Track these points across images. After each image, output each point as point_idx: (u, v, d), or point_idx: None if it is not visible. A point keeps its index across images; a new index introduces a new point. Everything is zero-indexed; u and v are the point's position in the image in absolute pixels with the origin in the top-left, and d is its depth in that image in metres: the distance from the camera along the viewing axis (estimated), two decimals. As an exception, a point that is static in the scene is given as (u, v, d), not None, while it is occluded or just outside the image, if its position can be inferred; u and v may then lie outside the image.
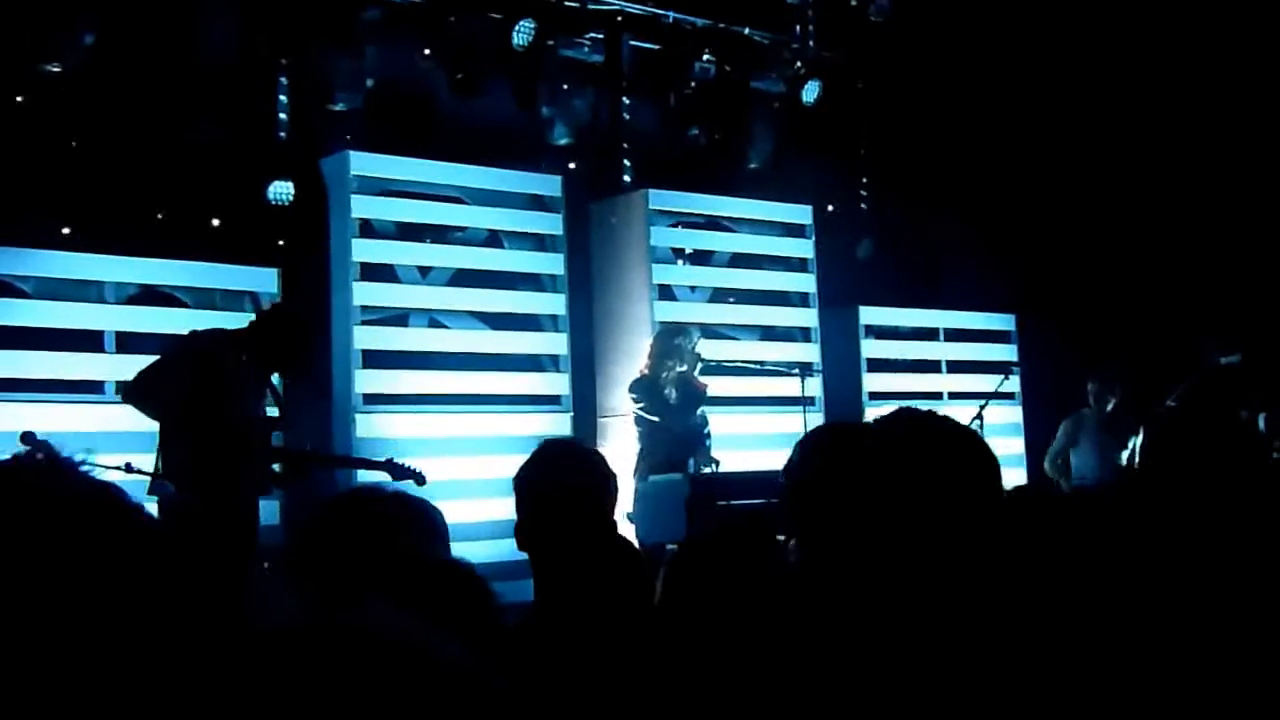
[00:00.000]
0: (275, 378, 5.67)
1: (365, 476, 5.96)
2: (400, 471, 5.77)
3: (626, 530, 6.35)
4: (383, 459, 5.89)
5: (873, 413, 9.04)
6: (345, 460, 6.41)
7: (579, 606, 2.51)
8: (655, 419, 7.08)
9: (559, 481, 2.71)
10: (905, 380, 9.65)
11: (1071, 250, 9.86)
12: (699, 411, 7.27)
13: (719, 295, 8.78)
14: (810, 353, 8.89)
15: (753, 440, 7.90)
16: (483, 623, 1.50)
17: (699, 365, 7.25)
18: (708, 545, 2.09)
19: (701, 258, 8.89)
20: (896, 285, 9.53)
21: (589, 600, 2.53)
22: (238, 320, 6.04)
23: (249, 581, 5.17)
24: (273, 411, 5.65)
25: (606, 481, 2.78)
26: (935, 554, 1.84)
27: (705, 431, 7.28)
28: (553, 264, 8.06)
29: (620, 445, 7.83)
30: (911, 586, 1.84)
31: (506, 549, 2.84)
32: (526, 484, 2.74)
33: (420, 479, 5.73)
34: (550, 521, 2.68)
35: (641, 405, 7.12)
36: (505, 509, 2.87)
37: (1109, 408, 8.16)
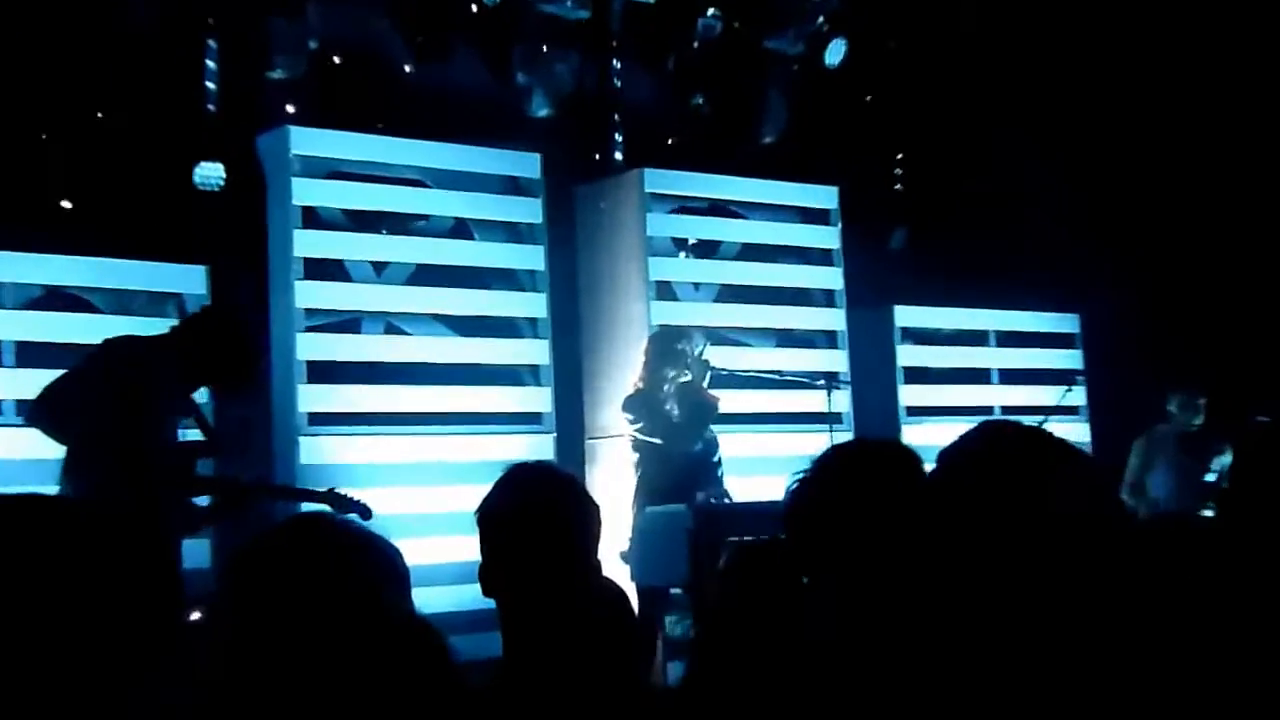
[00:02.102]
0: (203, 394, 5.64)
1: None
2: (344, 504, 5.83)
3: (620, 572, 6.31)
4: (324, 490, 5.94)
5: (911, 431, 9.14)
6: (281, 491, 6.41)
7: (553, 663, 2.49)
8: (656, 441, 7.02)
9: (529, 514, 2.69)
10: (949, 393, 9.61)
11: (1148, 238, 9.84)
12: (709, 433, 7.22)
13: (728, 293, 8.76)
14: (837, 360, 8.87)
15: (768, 464, 7.84)
16: (438, 685, 1.48)
17: (707, 375, 7.21)
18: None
19: (707, 249, 8.87)
20: (938, 280, 9.51)
21: (564, 656, 2.51)
22: (160, 328, 6.01)
23: (175, 635, 5.13)
24: (197, 435, 5.62)
25: (586, 513, 2.75)
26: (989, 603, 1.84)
27: (716, 459, 7.23)
28: (531, 258, 8.04)
29: (613, 471, 7.80)
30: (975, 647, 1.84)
31: (477, 595, 2.82)
32: (490, 518, 2.72)
33: (366, 512, 5.81)
34: (519, 562, 2.65)
35: (639, 425, 7.07)
36: (475, 548, 2.84)
37: (1192, 425, 8.13)
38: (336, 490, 5.92)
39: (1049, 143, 9.56)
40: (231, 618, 1.91)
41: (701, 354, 7.23)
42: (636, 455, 7.14)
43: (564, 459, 7.77)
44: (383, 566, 1.94)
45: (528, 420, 7.93)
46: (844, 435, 7.99)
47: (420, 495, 7.22)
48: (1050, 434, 1.99)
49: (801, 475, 2.52)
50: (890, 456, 2.57)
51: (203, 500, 5.63)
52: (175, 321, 5.74)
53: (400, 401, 7.54)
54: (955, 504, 1.92)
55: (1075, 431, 9.67)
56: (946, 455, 1.99)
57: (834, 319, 9.04)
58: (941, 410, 9.42)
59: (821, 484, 2.50)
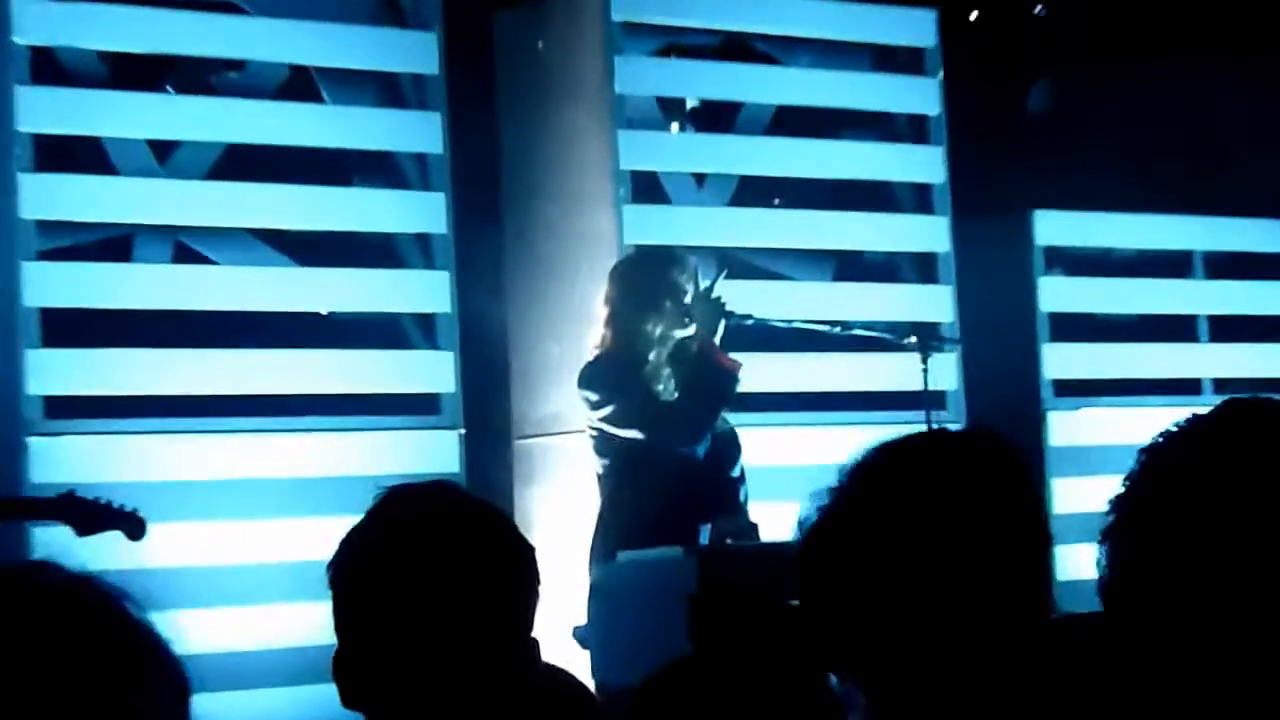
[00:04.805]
0: None
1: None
2: (93, 517, 5.93)
3: (573, 660, 6.34)
4: (56, 495, 6.09)
5: (1062, 420, 9.15)
6: None
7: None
8: (635, 436, 7.04)
9: (411, 572, 2.70)
10: (1123, 354, 9.69)
11: None
12: (723, 425, 7.24)
13: (750, 191, 8.80)
14: (938, 303, 8.94)
15: (823, 479, 7.94)
16: None
17: (721, 327, 7.19)
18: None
19: (716, 118, 8.89)
20: (1104, 169, 9.55)
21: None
22: None
23: None
24: None
25: (513, 564, 2.76)
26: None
27: (735, 472, 7.25)
28: (421, 133, 8.07)
29: (557, 491, 7.84)
30: None
31: (333, 700, 2.83)
32: (349, 578, 2.73)
33: (136, 527, 5.93)
34: (397, 648, 2.67)
35: (606, 411, 7.09)
36: (329, 626, 2.86)
37: None
38: (78, 494, 6.02)
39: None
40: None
41: (710, 292, 7.23)
42: (604, 463, 7.15)
43: (477, 470, 7.82)
44: (138, 661, 1.94)
45: (417, 407, 7.98)
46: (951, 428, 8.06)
47: (238, 534, 7.25)
48: None
49: (826, 494, 2.50)
50: (979, 454, 2.54)
51: None
52: None
53: (201, 377, 7.56)
54: (1168, 540, 1.88)
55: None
56: (1157, 452, 1.94)
57: (933, 233, 9.09)
58: (1111, 386, 9.46)
59: (855, 509, 2.48)
